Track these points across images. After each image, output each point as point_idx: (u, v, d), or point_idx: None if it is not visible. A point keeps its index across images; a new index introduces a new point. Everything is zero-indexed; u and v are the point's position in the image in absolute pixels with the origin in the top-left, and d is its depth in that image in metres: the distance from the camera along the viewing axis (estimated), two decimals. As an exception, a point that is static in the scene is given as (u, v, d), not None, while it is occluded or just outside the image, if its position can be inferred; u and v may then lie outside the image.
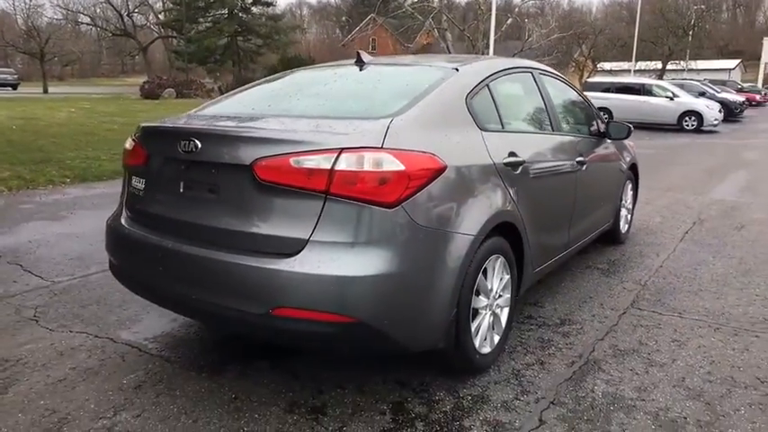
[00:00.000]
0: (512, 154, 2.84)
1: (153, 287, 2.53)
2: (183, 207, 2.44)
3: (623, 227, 4.98)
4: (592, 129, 4.20)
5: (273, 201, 2.18)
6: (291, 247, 2.13)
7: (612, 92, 20.35)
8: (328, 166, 2.08)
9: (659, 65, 38.98)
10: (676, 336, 3.17)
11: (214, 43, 45.28)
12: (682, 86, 21.73)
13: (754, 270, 4.32)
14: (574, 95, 4.17)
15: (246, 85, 3.34)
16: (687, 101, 19.46)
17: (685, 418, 2.38)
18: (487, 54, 31.35)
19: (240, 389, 2.57)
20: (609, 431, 2.28)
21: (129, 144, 2.76)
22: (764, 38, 60.67)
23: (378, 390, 2.57)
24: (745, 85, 37.20)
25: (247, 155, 2.21)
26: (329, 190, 2.08)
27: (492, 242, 2.58)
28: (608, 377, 2.71)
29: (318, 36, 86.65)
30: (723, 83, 32.05)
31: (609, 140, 4.35)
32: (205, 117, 2.72)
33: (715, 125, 18.93)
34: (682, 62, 39.79)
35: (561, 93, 3.94)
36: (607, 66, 37.44)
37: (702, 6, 39.23)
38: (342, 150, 2.10)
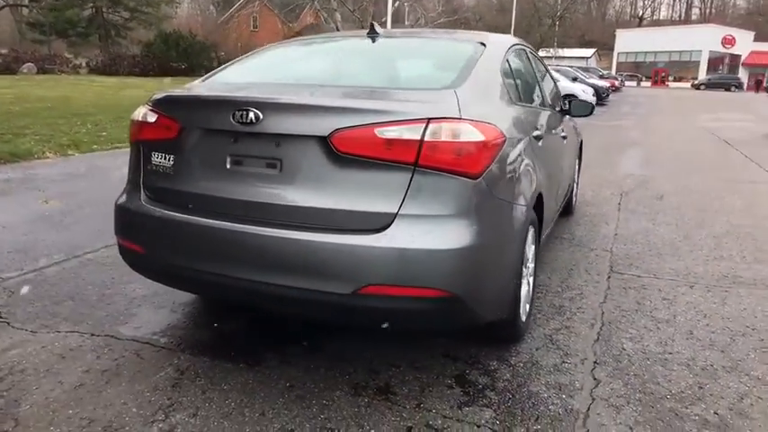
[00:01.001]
0: (535, 127, 2.92)
1: (197, 274, 2.28)
2: (232, 184, 2.23)
3: (574, 199, 5.33)
4: (557, 105, 4.41)
5: (354, 174, 2.06)
6: (377, 222, 2.03)
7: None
8: (417, 137, 2.01)
9: (532, 51, 41.55)
10: (663, 295, 3.47)
11: (77, 15, 41.10)
12: (557, 72, 23.39)
13: (692, 234, 4.82)
14: (548, 74, 4.35)
15: (255, 52, 3.10)
16: (566, 85, 20.92)
17: (712, 365, 2.62)
18: (375, 36, 31.62)
19: (291, 376, 2.43)
20: (658, 383, 2.46)
21: (145, 116, 2.45)
22: (617, 30, 66.91)
23: (431, 365, 2.55)
24: (604, 72, 40.81)
25: (324, 126, 2.07)
26: (418, 161, 2.01)
27: (532, 213, 2.65)
28: (629, 335, 2.90)
29: (191, 12, 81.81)
30: (586, 70, 34.94)
31: (568, 117, 4.61)
32: (241, 86, 2.49)
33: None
34: (551, 50, 42.74)
35: (542, 70, 4.09)
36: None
37: (568, -2, 42.36)
38: (429, 120, 2.03)
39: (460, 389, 2.37)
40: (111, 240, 3.03)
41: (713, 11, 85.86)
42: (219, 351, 2.63)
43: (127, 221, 2.49)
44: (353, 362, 2.55)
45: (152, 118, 2.42)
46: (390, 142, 2.01)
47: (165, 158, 2.38)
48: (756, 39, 55.31)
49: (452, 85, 2.33)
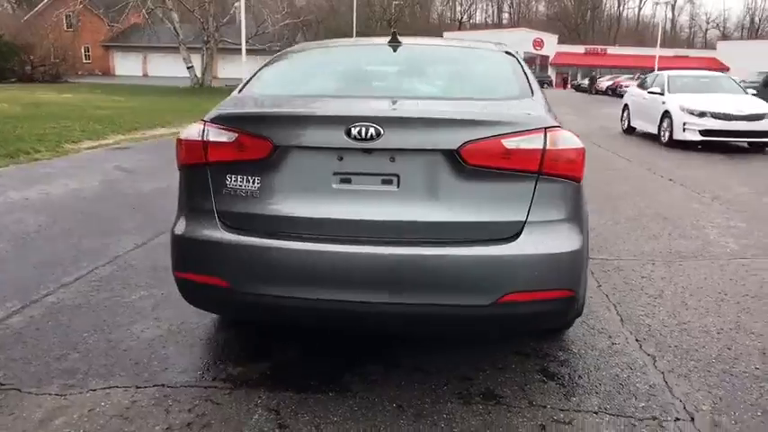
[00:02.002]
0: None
1: (301, 302, 2.12)
2: (340, 204, 2.12)
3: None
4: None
5: (482, 185, 2.08)
6: (509, 231, 2.08)
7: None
8: (540, 146, 2.09)
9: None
10: (639, 273, 3.92)
11: None
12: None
13: (617, 219, 5.46)
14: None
15: (285, 58, 2.93)
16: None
17: (722, 328, 3.06)
18: (217, 37, 30.33)
19: (392, 396, 2.37)
20: (696, 350, 2.81)
21: (214, 135, 2.20)
22: (444, 32, 71.58)
23: (511, 364, 2.64)
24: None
25: (452, 139, 2.05)
26: (541, 170, 2.09)
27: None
28: (643, 312, 3.26)
29: (-17, 9, 71.17)
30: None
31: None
32: (322, 99, 2.35)
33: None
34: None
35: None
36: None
37: (401, 1, 44.44)
38: (546, 130, 2.12)
39: (553, 382, 2.50)
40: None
41: (520, 16, 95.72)
42: (294, 382, 2.47)
43: (202, 254, 2.23)
44: (438, 372, 2.55)
45: (226, 137, 2.19)
46: (517, 152, 2.07)
47: (247, 181, 2.18)
48: (560, 41, 62.86)
49: (524, 94, 2.44)
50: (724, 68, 43.10)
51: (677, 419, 2.24)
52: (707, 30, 73.56)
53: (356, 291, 2.08)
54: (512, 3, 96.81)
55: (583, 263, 2.22)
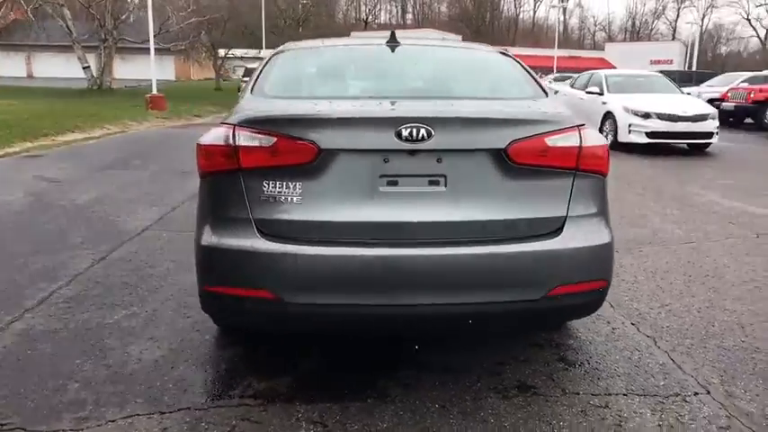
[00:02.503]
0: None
1: (353, 309, 2.07)
2: (387, 207, 2.09)
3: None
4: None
5: (526, 183, 2.14)
6: (552, 226, 2.15)
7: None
8: (577, 144, 2.17)
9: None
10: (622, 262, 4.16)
11: None
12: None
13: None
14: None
15: (290, 58, 2.85)
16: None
17: (709, 304, 3.32)
18: (116, 35, 28.54)
19: (434, 398, 2.36)
20: (691, 324, 3.04)
21: (247, 140, 2.09)
22: (352, 32, 71.80)
23: (531, 356, 2.72)
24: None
25: (499, 138, 2.08)
26: (578, 166, 2.18)
27: None
28: (627, 297, 3.47)
29: None
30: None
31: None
32: (346, 99, 2.28)
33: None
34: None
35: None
36: (238, 53, 38.65)
37: (308, 1, 44.04)
38: (578, 127, 2.20)
39: (576, 369, 2.61)
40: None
41: (423, 16, 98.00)
42: (327, 392, 2.40)
43: (242, 266, 2.10)
44: (467, 370, 2.58)
45: (263, 141, 2.08)
46: (558, 150, 2.14)
47: (287, 187, 2.09)
48: (464, 40, 65.12)
49: (540, 94, 2.52)
50: (611, 68, 46.52)
51: (696, 393, 2.41)
52: (595, 32, 78.95)
53: (411, 294, 2.06)
54: (415, 3, 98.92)
55: (613, 254, 2.33)
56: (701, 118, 9.84)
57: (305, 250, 2.05)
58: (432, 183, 2.10)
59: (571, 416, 2.25)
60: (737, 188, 7.00)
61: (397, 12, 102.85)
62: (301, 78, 2.73)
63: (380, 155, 2.07)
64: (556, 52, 43.68)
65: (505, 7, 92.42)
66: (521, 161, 2.11)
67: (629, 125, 9.87)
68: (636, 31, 74.79)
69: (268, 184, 2.10)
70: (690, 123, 9.78)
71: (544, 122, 2.16)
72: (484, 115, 2.17)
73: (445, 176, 2.10)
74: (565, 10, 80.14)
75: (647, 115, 9.78)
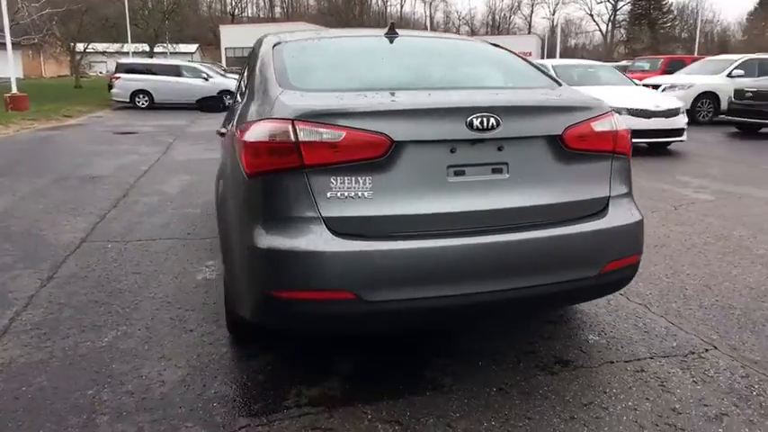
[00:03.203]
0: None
1: (428, 302, 2.05)
2: (456, 197, 2.10)
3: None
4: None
5: (575, 167, 2.25)
6: (599, 206, 2.29)
7: (149, 73, 20.15)
8: (613, 128, 2.32)
9: (147, 47, 39.68)
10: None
11: None
12: (201, 67, 23.13)
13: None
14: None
15: (304, 52, 2.76)
16: (220, 81, 21.10)
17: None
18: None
19: (471, 381, 2.42)
20: (669, 289, 3.36)
21: (314, 136, 1.98)
22: (220, 26, 68.97)
23: (552, 331, 2.86)
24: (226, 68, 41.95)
25: (556, 125, 2.17)
26: (615, 149, 2.33)
27: None
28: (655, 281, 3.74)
29: None
30: (212, 65, 35.40)
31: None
32: (400, 89, 2.23)
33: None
34: (170, 45, 41.58)
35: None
36: (100, 47, 35.57)
37: (172, -6, 41.60)
38: (611, 113, 2.35)
39: (599, 341, 2.79)
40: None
41: (293, 10, 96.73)
42: (383, 391, 2.36)
43: (315, 267, 1.98)
44: (503, 354, 2.66)
45: (330, 136, 1.99)
46: (600, 134, 2.28)
47: (357, 182, 2.01)
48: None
49: (556, 83, 2.65)
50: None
51: (706, 350, 2.69)
52: (459, 26, 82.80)
53: (483, 281, 2.09)
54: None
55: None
56: (674, 113, 8.65)
57: (381, 246, 2.00)
58: (495, 171, 2.14)
59: (620, 382, 2.41)
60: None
61: (265, 4, 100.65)
62: (327, 70, 2.62)
63: (448, 145, 2.07)
64: (429, 46, 45.26)
65: (373, 1, 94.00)
66: (573, 146, 2.22)
67: None
68: (496, 26, 79.69)
69: (336, 180, 2.01)
70: (663, 119, 8.55)
71: (590, 109, 2.28)
72: (543, 103, 2.26)
73: (507, 164, 2.15)
74: (430, 5, 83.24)
75: (616, 111, 8.95)
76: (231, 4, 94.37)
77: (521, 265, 2.13)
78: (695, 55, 27.61)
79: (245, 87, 3.08)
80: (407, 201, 2.06)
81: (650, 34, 62.08)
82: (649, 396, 2.31)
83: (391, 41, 2.95)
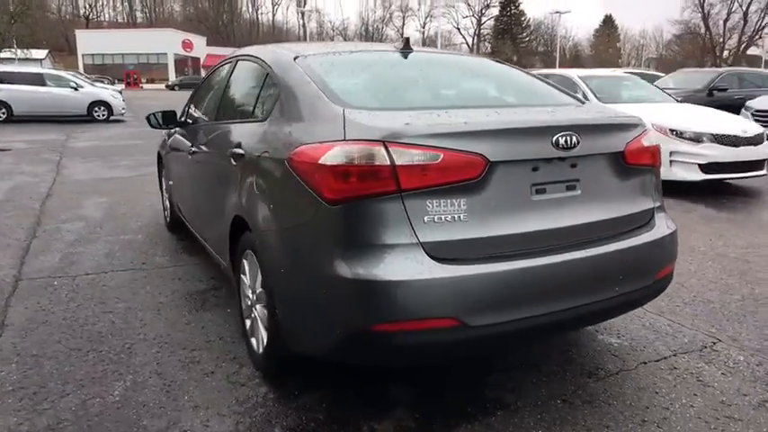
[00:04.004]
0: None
1: (524, 323, 2.03)
2: (539, 216, 2.11)
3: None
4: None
5: (629, 181, 2.36)
6: (647, 217, 2.42)
7: (5, 83, 17.97)
8: (653, 143, 2.46)
9: (-8, 52, 35.55)
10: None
11: None
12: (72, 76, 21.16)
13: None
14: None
15: (336, 69, 2.60)
16: (93, 91, 19.42)
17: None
18: None
19: (533, 396, 2.45)
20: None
21: (411, 158, 1.89)
22: (77, 30, 63.47)
23: (574, 340, 2.97)
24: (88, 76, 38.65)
25: (618, 142, 2.27)
26: (654, 163, 2.48)
27: None
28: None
29: None
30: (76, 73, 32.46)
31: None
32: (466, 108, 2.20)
33: (123, 114, 19.61)
34: (16, 51, 37.54)
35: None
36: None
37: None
38: (648, 129, 2.50)
39: (621, 343, 2.93)
40: None
41: (155, 15, 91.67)
42: (453, 415, 2.31)
43: (417, 296, 1.88)
44: (544, 364, 2.71)
45: (427, 158, 1.91)
46: (647, 149, 2.41)
47: (452, 204, 1.95)
48: (209, 43, 62.82)
49: (583, 99, 2.77)
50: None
51: (714, 343, 2.94)
52: (333, 36, 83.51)
53: (571, 297, 2.12)
54: (144, 1, 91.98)
55: None
56: (760, 140, 6.69)
57: (480, 269, 1.95)
58: (569, 188, 2.19)
59: (663, 382, 2.56)
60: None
61: (124, 9, 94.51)
62: (372, 87, 2.51)
63: (532, 163, 2.08)
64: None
65: (244, 9, 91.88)
66: (630, 161, 2.33)
67: (672, 153, 6.41)
68: (370, 37, 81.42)
69: (432, 204, 1.93)
70: (752, 148, 6.58)
71: (638, 125, 2.41)
72: (610, 121, 2.36)
73: (579, 180, 2.20)
74: (303, 14, 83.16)
75: (697, 138, 6.43)
76: (85, 6, 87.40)
77: (599, 279, 2.19)
78: (557, 68, 30.22)
79: (254, 106, 2.86)
80: (499, 221, 2.04)
81: (512, 47, 66.98)
82: (696, 392, 2.48)
83: (407, 57, 2.91)
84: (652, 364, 2.73)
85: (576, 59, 64.48)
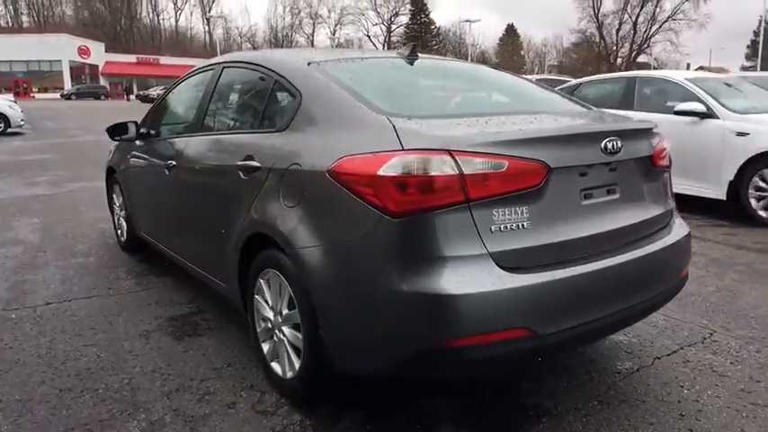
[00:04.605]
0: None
1: (586, 326, 2.04)
2: (587, 220, 2.13)
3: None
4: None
5: (657, 183, 2.44)
6: (668, 218, 2.51)
7: None
8: (668, 146, 2.56)
9: None
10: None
11: None
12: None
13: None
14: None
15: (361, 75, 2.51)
16: (-14, 103, 17.77)
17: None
18: None
19: (582, 399, 2.47)
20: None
21: (477, 167, 1.84)
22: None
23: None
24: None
25: (650, 145, 2.34)
26: (669, 166, 2.58)
27: None
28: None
29: None
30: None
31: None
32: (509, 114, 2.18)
33: (21, 125, 18.12)
34: None
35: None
36: None
37: None
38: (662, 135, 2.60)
39: (629, 342, 3.03)
40: None
41: (45, 19, 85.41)
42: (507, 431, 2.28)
43: (492, 308, 1.82)
44: (573, 369, 2.74)
45: (494, 167, 1.87)
46: (666, 152, 2.50)
47: (516, 213, 1.92)
48: (107, 50, 59.33)
49: (584, 106, 2.84)
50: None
51: (711, 334, 3.11)
52: (240, 44, 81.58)
53: (623, 298, 2.17)
54: (31, 3, 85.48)
55: None
56: None
57: (545, 276, 1.93)
58: (609, 192, 2.22)
59: (683, 375, 2.67)
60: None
61: (8, 12, 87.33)
62: (400, 94, 2.44)
63: (581, 169, 2.10)
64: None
65: (144, 14, 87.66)
66: (656, 164, 2.42)
67: None
68: (279, 44, 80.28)
69: (498, 213, 1.89)
70: None
71: (657, 130, 2.49)
72: (643, 126, 2.41)
73: (617, 184, 2.24)
74: (209, 20, 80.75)
75: None
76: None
77: (643, 279, 2.25)
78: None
79: (261, 115, 2.70)
80: (556, 227, 2.03)
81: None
82: (716, 382, 2.60)
83: (415, 64, 2.86)
84: (665, 358, 2.83)
85: (484, 66, 67.48)
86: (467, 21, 57.20)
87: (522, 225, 1.95)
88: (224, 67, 3.19)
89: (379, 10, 78.52)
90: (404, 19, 77.39)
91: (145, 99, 44.03)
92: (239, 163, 2.58)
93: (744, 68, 65.26)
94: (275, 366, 2.50)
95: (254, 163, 2.49)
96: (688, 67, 62.45)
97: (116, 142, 4.58)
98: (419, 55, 2.91)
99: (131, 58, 59.31)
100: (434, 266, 1.84)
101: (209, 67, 3.37)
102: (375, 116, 2.09)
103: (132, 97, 51.47)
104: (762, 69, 33.16)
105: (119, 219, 4.72)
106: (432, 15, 76.39)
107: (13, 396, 2.49)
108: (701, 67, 63.29)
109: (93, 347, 2.95)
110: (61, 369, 2.73)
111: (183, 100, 3.68)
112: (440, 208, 1.84)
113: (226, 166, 2.72)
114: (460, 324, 1.83)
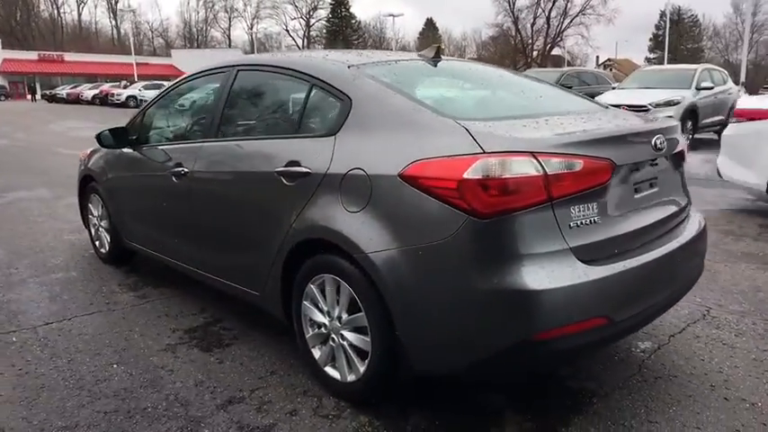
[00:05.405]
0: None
1: (644, 312, 2.21)
2: (639, 212, 2.31)
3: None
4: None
5: (679, 176, 2.65)
6: (689, 209, 2.72)
7: None
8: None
9: None
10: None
11: None
12: None
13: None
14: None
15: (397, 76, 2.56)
16: None
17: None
18: None
19: (633, 384, 2.65)
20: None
21: (558, 167, 1.95)
22: None
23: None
24: None
25: (679, 143, 2.53)
26: (685, 160, 2.79)
27: None
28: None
29: None
30: None
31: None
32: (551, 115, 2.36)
33: None
34: None
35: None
36: None
37: None
38: (673, 131, 2.82)
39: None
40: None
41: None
42: (567, 420, 2.41)
43: (575, 300, 1.94)
44: (607, 359, 2.92)
45: (573, 166, 1.98)
46: (685, 148, 2.71)
47: (588, 209, 2.06)
48: (5, 46, 54.91)
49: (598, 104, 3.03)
50: (181, 74, 47.40)
51: (708, 311, 3.40)
52: (153, 38, 78.08)
53: (672, 282, 2.39)
54: None
55: None
56: None
57: (618, 267, 2.08)
58: (651, 185, 2.40)
59: (699, 349, 2.91)
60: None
61: None
62: (448, 98, 2.50)
63: (634, 165, 2.25)
64: (134, 59, 41.78)
65: (42, 7, 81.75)
66: (682, 158, 2.62)
67: None
68: (194, 39, 77.53)
69: (575, 210, 2.02)
70: None
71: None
72: (676, 123, 2.59)
73: (657, 178, 2.42)
74: (115, 14, 76.67)
75: None
76: None
77: (686, 265, 2.46)
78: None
79: (300, 120, 2.66)
80: (618, 220, 2.19)
81: (346, 48, 68.47)
82: (730, 354, 2.86)
83: (442, 65, 2.93)
84: (678, 336, 3.08)
85: (406, 61, 68.25)
86: (390, 15, 57.64)
87: (594, 220, 2.08)
88: (239, 71, 3.11)
89: (297, 4, 77.55)
90: (323, 13, 76.94)
91: (52, 99, 41.19)
92: (281, 169, 2.55)
93: (648, 60, 69.74)
94: (330, 371, 2.51)
95: (303, 169, 2.46)
96: (597, 59, 65.92)
97: (92, 149, 4.35)
98: (442, 57, 2.98)
99: (32, 55, 55.07)
100: (524, 263, 1.93)
101: (219, 71, 3.27)
102: (444, 120, 2.14)
103: (38, 97, 47.92)
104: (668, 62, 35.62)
105: (97, 230, 4.47)
106: (352, 10, 76.47)
107: (56, 423, 2.35)
108: (608, 60, 66.90)
109: (119, 366, 2.82)
110: (96, 391, 2.59)
111: (186, 105, 3.55)
112: (526, 207, 1.93)
113: (261, 172, 2.68)
114: (550, 317, 1.93)
